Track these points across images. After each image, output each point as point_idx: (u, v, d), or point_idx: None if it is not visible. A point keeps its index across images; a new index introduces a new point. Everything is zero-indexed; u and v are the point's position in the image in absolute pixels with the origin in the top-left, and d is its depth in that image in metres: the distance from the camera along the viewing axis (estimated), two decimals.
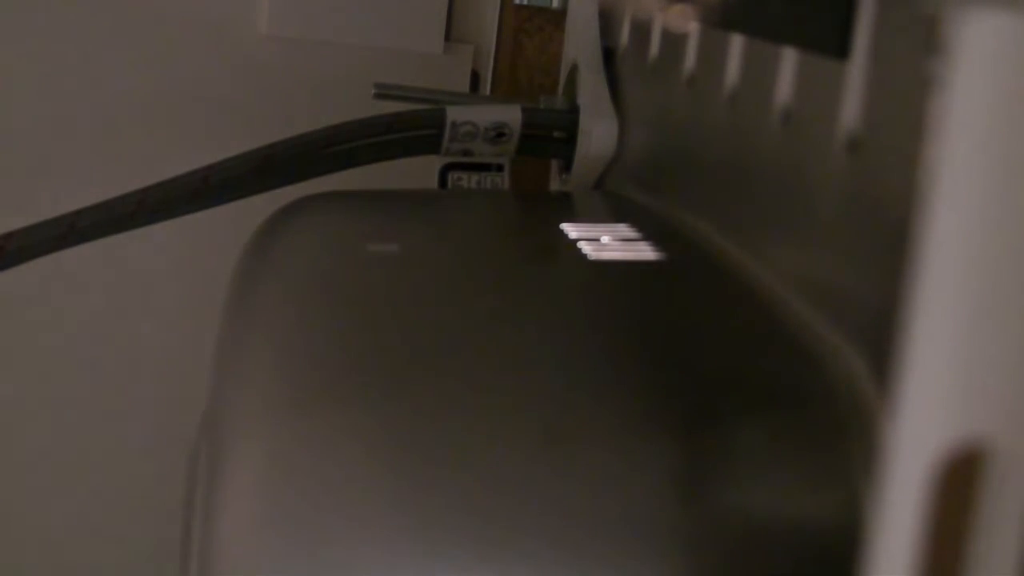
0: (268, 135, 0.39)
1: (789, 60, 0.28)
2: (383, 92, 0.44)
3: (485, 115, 0.41)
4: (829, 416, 0.24)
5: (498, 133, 0.41)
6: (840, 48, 0.25)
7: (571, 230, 0.33)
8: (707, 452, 0.23)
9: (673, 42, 0.36)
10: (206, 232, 0.47)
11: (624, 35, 0.41)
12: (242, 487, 0.23)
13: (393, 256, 0.32)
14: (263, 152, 0.38)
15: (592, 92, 0.41)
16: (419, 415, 0.24)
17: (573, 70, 0.43)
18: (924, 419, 0.16)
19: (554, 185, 0.45)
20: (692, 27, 0.34)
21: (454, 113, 0.40)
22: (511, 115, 0.41)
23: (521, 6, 0.55)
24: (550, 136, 0.42)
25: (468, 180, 0.43)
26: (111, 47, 0.53)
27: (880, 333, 0.22)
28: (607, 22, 0.43)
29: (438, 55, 0.55)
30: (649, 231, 0.33)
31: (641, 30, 0.39)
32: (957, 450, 0.15)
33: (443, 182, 0.42)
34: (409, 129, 0.40)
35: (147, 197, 0.37)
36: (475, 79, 0.57)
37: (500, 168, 0.43)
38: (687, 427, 0.23)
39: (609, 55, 0.42)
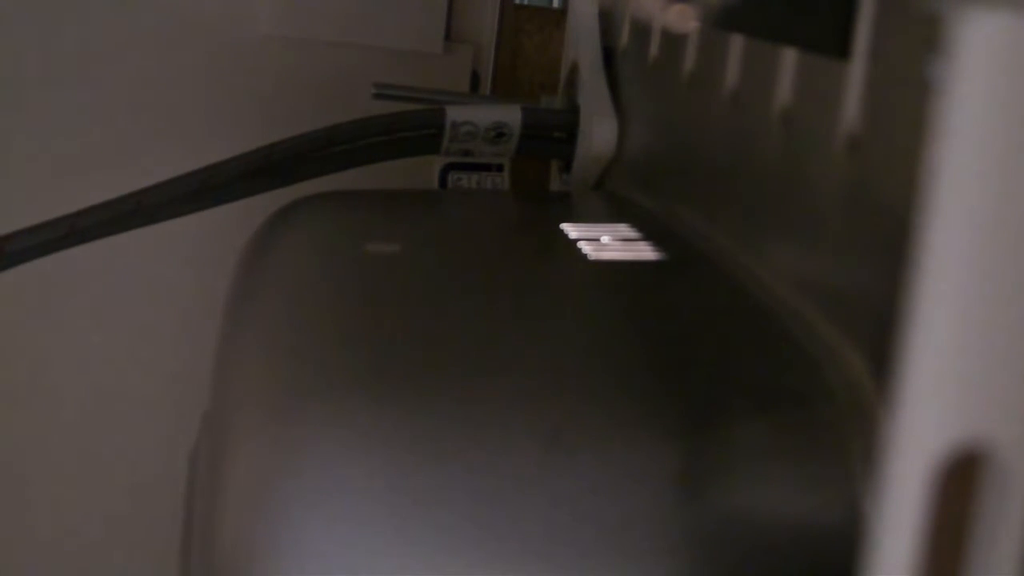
0: (268, 135, 0.39)
1: (789, 60, 0.28)
2: (383, 92, 0.44)
3: (485, 115, 0.41)
4: (829, 416, 0.24)
5: (498, 133, 0.41)
6: (840, 48, 0.25)
7: (571, 230, 0.33)
8: (706, 452, 0.23)
9: (673, 42, 0.36)
10: (206, 232, 0.47)
11: (624, 35, 0.41)
12: (242, 487, 0.23)
13: (393, 256, 0.32)
14: (263, 152, 0.38)
15: (592, 92, 0.41)
16: (420, 415, 0.24)
17: (573, 70, 0.43)
18: (924, 419, 0.16)
19: (554, 185, 0.45)
20: (692, 27, 0.34)
21: (454, 113, 0.40)
22: (511, 115, 0.41)
23: (521, 6, 0.55)
24: (550, 136, 0.42)
25: (468, 180, 0.43)
26: (110, 47, 0.53)
27: (880, 333, 0.22)
28: (607, 22, 0.42)
29: (438, 55, 0.55)
30: (649, 231, 0.33)
31: (641, 30, 0.39)
32: (957, 450, 0.16)
33: (443, 182, 0.42)
34: (409, 129, 0.40)
35: (147, 197, 0.37)
36: (475, 79, 0.57)
37: (500, 168, 0.43)
38: (686, 427, 0.23)
39: (609, 55, 0.42)
